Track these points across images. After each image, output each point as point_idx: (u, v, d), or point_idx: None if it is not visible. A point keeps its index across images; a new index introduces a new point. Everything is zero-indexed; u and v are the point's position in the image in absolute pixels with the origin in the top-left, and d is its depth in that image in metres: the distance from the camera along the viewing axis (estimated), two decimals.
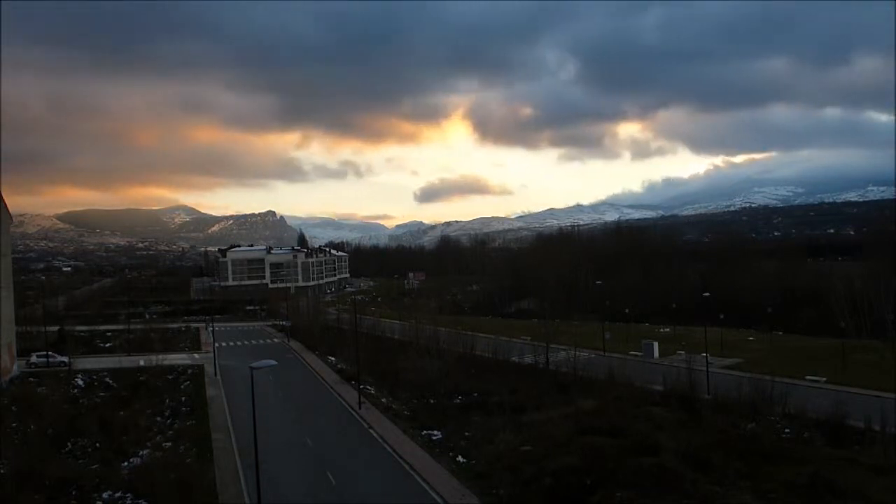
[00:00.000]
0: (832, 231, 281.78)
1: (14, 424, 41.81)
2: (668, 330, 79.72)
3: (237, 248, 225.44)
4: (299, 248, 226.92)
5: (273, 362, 25.84)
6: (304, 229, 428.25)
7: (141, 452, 35.52)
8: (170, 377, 59.41)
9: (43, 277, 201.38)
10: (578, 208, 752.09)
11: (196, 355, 72.70)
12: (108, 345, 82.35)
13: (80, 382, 56.56)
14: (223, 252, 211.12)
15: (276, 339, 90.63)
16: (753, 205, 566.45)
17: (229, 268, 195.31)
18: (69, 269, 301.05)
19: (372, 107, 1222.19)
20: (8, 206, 63.71)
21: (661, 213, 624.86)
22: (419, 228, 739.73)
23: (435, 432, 37.95)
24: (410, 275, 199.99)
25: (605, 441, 30.57)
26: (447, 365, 53.20)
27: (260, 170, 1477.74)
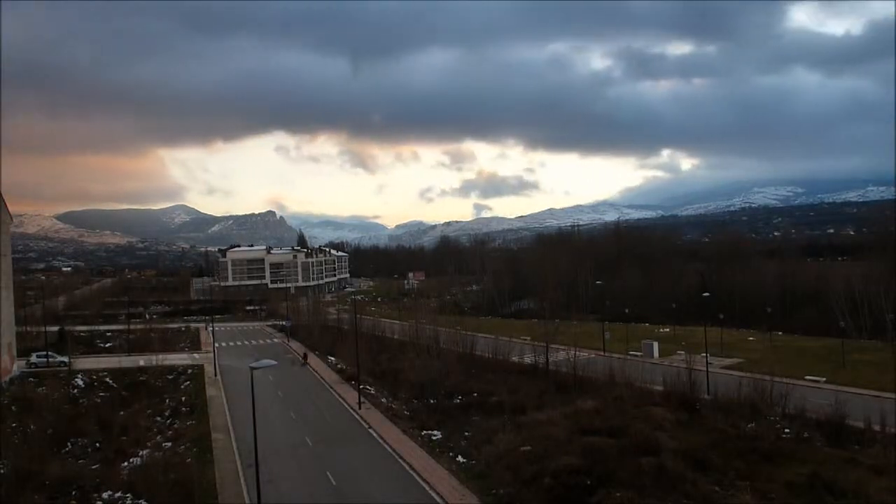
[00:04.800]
0: (832, 231, 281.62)
1: (14, 424, 41.86)
2: (668, 330, 79.70)
3: (237, 248, 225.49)
4: (299, 248, 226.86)
5: (273, 362, 25.85)
6: (304, 229, 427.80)
7: (141, 452, 35.53)
8: (170, 377, 59.49)
9: (43, 277, 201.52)
10: (578, 208, 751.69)
11: (196, 355, 72.71)
12: (108, 345, 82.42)
13: (80, 382, 56.60)
14: (223, 252, 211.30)
15: (275, 339, 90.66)
16: (753, 205, 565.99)
17: (229, 268, 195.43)
18: (69, 269, 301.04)
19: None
20: (8, 206, 63.75)
21: (661, 213, 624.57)
22: (419, 228, 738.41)
23: (435, 432, 37.96)
24: (410, 275, 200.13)
25: (605, 441, 30.58)
26: (447, 365, 53.23)
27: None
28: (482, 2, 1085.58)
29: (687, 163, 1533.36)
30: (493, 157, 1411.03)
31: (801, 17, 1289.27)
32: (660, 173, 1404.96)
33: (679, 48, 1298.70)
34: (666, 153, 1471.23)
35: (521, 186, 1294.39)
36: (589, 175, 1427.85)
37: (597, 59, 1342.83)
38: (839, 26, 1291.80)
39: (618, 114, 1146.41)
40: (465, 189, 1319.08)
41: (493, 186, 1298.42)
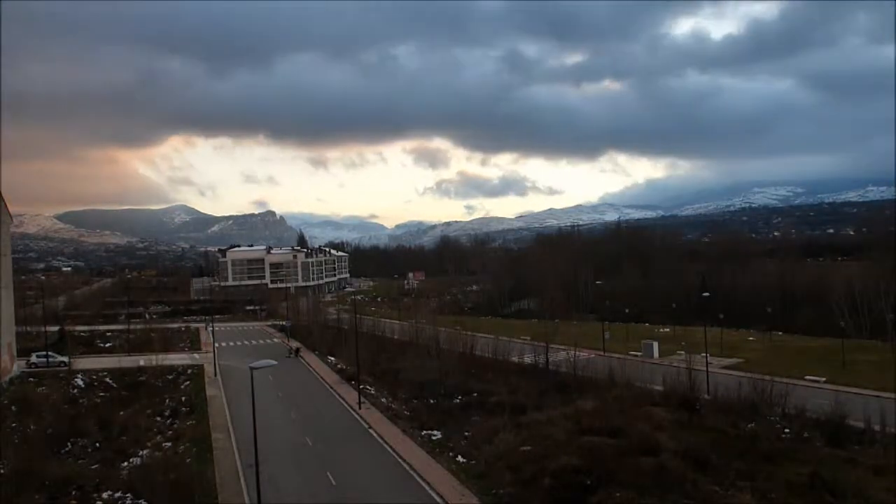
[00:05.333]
0: (832, 231, 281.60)
1: (14, 424, 41.88)
2: (668, 330, 79.70)
3: (237, 248, 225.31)
4: (299, 248, 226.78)
5: (273, 362, 25.79)
6: (304, 229, 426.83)
7: (141, 452, 35.51)
8: (170, 377, 59.46)
9: (43, 277, 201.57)
10: (578, 208, 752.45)
11: (196, 355, 72.68)
12: (108, 345, 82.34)
13: (80, 382, 56.59)
14: (223, 252, 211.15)
15: (275, 339, 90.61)
16: (753, 205, 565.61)
17: (229, 268, 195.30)
18: (69, 269, 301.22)
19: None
20: (8, 206, 63.72)
21: (661, 213, 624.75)
22: (419, 228, 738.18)
23: (435, 432, 37.97)
24: (410, 275, 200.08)
25: (605, 441, 30.57)
26: (447, 365, 53.20)
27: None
28: (363, 2, 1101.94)
29: (636, 165, 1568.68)
30: (422, 156, 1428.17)
31: (687, 22, 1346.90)
32: (611, 175, 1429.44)
33: (573, 55, 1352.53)
34: (618, 157, 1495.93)
35: (494, 188, 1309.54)
36: (565, 177, 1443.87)
37: (488, 63, 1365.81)
38: (727, 28, 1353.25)
39: (535, 116, 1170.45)
40: (442, 189, 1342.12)
41: (474, 187, 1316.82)
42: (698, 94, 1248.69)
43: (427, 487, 29.04)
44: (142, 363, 63.74)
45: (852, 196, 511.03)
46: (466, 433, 37.19)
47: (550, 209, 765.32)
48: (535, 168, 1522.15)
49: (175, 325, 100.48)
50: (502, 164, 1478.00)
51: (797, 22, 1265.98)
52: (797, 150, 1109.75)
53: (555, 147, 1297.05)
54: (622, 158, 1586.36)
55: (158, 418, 45.42)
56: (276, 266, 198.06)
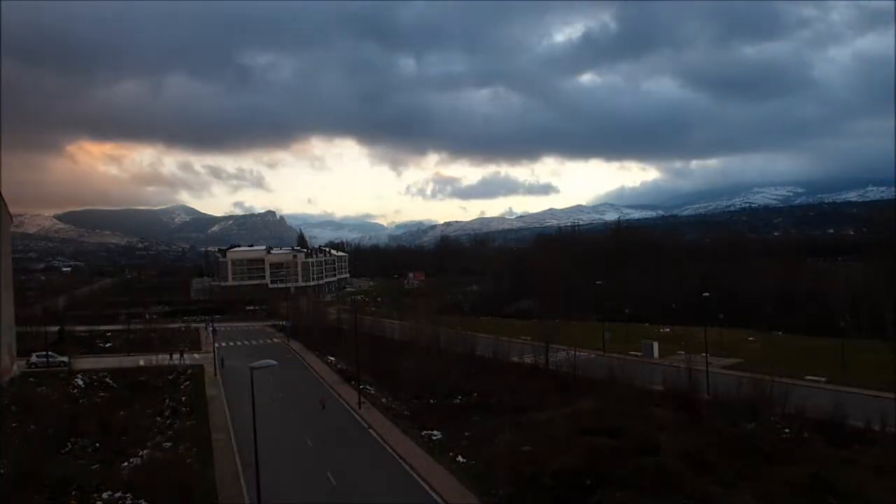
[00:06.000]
0: (832, 231, 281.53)
1: (14, 424, 41.80)
2: (668, 330, 79.72)
3: (237, 248, 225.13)
4: (299, 248, 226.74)
5: (273, 362, 25.76)
6: (304, 229, 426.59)
7: (141, 452, 35.49)
8: (170, 377, 59.48)
9: (43, 277, 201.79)
10: (578, 208, 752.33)
11: (196, 355, 72.69)
12: (108, 345, 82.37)
13: (80, 382, 56.61)
14: (223, 252, 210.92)
15: (276, 339, 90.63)
16: (753, 205, 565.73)
17: (229, 268, 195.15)
18: (69, 269, 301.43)
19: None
20: (8, 206, 63.73)
21: (661, 213, 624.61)
22: (419, 228, 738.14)
23: (435, 432, 37.96)
24: (410, 275, 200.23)
25: (605, 441, 30.58)
26: (447, 365, 53.21)
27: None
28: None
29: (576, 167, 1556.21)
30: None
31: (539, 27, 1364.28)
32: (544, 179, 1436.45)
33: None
34: (553, 162, 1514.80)
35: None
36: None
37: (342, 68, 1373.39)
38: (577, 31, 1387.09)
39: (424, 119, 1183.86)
40: (413, 190, 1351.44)
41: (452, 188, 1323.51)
42: (589, 95, 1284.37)
43: (427, 487, 29.05)
44: (142, 363, 63.74)
45: (852, 196, 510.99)
46: (466, 433, 37.17)
47: (550, 209, 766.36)
48: (458, 170, 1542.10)
49: (175, 325, 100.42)
50: (429, 167, 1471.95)
51: (632, 23, 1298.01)
52: (720, 150, 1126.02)
53: (480, 149, 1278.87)
54: (559, 163, 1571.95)
55: (158, 418, 45.40)
56: (276, 266, 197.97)
